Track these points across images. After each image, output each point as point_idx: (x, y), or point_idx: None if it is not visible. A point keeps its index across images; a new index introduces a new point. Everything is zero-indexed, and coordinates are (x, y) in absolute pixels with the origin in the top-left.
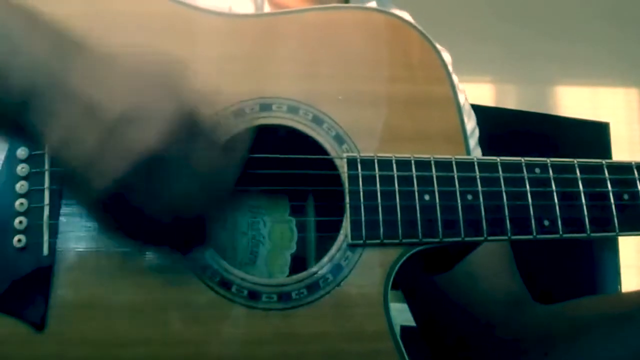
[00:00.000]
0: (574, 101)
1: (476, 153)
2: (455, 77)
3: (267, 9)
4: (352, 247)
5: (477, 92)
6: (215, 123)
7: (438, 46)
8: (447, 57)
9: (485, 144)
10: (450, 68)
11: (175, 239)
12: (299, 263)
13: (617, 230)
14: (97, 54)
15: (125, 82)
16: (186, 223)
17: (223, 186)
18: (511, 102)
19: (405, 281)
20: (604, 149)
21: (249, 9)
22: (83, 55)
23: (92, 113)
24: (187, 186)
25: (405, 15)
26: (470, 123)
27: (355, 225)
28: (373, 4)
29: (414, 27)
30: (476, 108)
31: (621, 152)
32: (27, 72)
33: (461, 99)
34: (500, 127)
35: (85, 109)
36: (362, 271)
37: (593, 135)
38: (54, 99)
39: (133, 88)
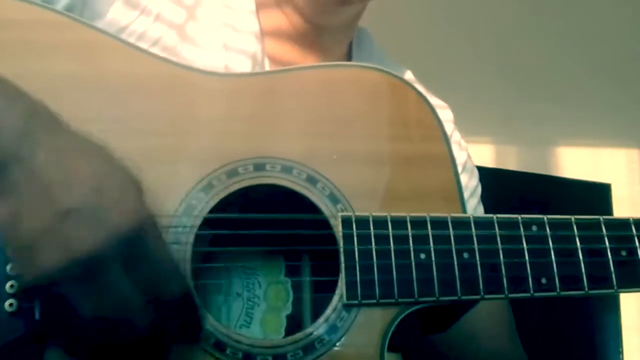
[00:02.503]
0: (575, 162)
1: (479, 211)
2: (457, 134)
3: (267, 64)
4: (347, 307)
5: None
6: (203, 186)
7: (440, 102)
8: (448, 113)
9: (486, 204)
10: (452, 125)
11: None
12: (294, 324)
13: (616, 287)
14: (67, 140)
15: (88, 176)
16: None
17: (169, 296)
18: (511, 163)
19: (403, 342)
20: (606, 210)
21: (245, 65)
22: (53, 138)
23: (50, 194)
24: (123, 300)
25: (408, 74)
26: (473, 181)
27: (350, 285)
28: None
29: (411, 85)
30: (476, 169)
31: (623, 213)
32: None
33: (464, 157)
34: (501, 188)
35: (43, 188)
36: (358, 331)
37: (594, 197)
38: (16, 171)
39: (95, 184)
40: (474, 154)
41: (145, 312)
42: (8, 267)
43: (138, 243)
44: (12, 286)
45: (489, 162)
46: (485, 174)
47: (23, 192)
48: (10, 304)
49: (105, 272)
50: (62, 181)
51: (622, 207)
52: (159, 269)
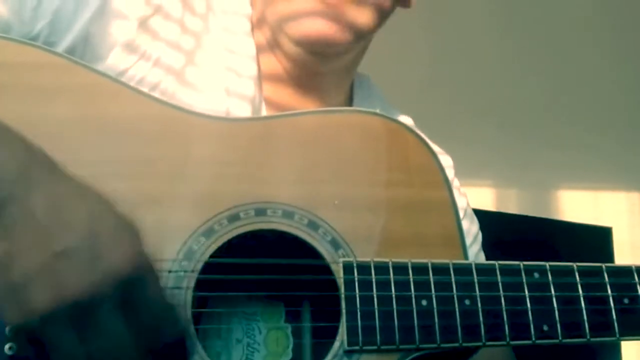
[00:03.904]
0: (576, 206)
1: (480, 257)
2: (457, 181)
3: (264, 109)
4: (348, 353)
5: (477, 196)
6: (204, 231)
7: (438, 149)
8: (448, 160)
9: (486, 249)
10: (452, 171)
11: None
12: None
13: (618, 335)
14: (62, 183)
15: (84, 218)
16: None
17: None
18: (512, 207)
19: None
20: (607, 254)
21: (246, 110)
22: (49, 181)
23: (44, 234)
24: (116, 344)
25: (407, 120)
26: (474, 227)
27: (351, 331)
28: (377, 109)
29: (411, 130)
30: (477, 212)
31: (624, 257)
32: None
33: (463, 203)
34: (501, 232)
35: (38, 228)
36: None
37: (595, 240)
38: (12, 211)
39: (90, 226)
40: (474, 197)
41: (139, 356)
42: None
43: (133, 285)
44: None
45: (490, 206)
46: (485, 217)
47: (18, 233)
48: (10, 347)
49: (99, 314)
50: (58, 222)
51: (624, 251)
52: (154, 313)
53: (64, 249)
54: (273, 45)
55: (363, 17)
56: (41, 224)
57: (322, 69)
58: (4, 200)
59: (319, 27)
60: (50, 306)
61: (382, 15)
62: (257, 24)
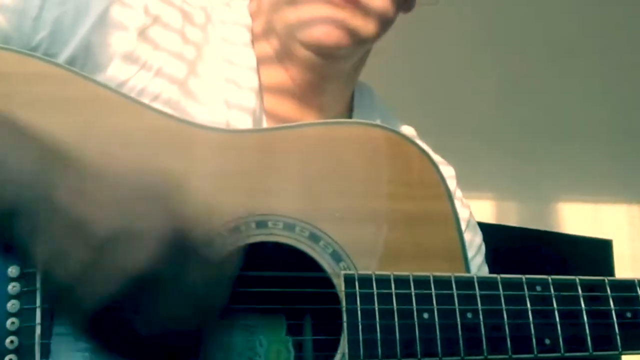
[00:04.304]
0: (576, 218)
1: (483, 269)
2: (459, 192)
3: (265, 121)
4: None
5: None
6: (209, 241)
7: (440, 159)
8: (450, 170)
9: (487, 261)
10: (454, 182)
11: (169, 354)
12: None
13: (620, 349)
14: (85, 169)
15: (115, 200)
16: (178, 339)
17: (215, 304)
18: (513, 219)
19: None
20: (607, 266)
21: (247, 122)
22: (71, 169)
23: (80, 230)
24: (179, 305)
25: (410, 131)
26: (477, 238)
27: (352, 344)
28: (377, 120)
29: (413, 142)
30: (477, 225)
31: (624, 269)
32: (12, 185)
33: (465, 213)
34: (502, 244)
35: (72, 226)
36: None
37: (596, 253)
38: (40, 214)
39: (124, 206)
40: (474, 210)
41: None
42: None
43: (184, 245)
44: (12, 342)
45: (490, 218)
46: (486, 230)
47: (52, 231)
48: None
49: (161, 282)
50: (89, 212)
51: (624, 263)
52: (209, 266)
53: (104, 237)
54: (282, 54)
55: (368, 26)
56: (72, 220)
57: (330, 71)
58: (29, 205)
59: (329, 32)
60: (110, 293)
61: (386, 24)
62: (263, 34)
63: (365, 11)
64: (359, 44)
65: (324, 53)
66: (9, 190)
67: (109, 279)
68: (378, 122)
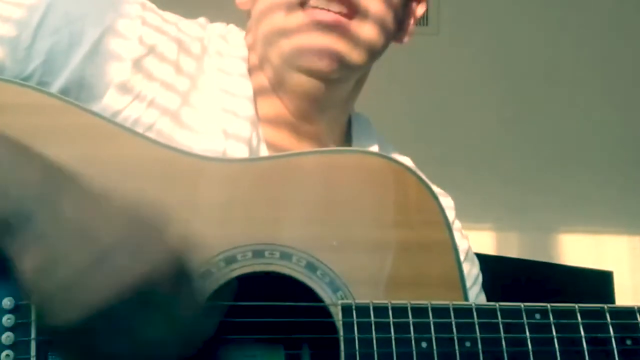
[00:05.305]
0: (577, 249)
1: (481, 299)
2: (458, 223)
3: (263, 150)
4: None
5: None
6: (202, 273)
7: (439, 190)
8: (449, 201)
9: (487, 293)
10: (453, 213)
11: None
12: None
13: None
14: (87, 190)
15: (115, 218)
16: None
17: (200, 337)
18: (513, 251)
19: None
20: (608, 298)
21: (244, 151)
22: (74, 188)
23: (81, 239)
24: (163, 331)
25: (407, 161)
26: (474, 269)
27: None
28: (375, 149)
29: (412, 171)
30: (477, 256)
31: (625, 301)
32: (15, 194)
33: (464, 245)
34: (502, 276)
35: (73, 234)
36: None
37: (596, 284)
38: (40, 221)
39: (123, 226)
40: (475, 241)
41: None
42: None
43: (177, 272)
44: (7, 355)
45: (491, 250)
46: (486, 261)
47: (55, 238)
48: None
49: (144, 307)
50: (93, 222)
51: (625, 295)
52: (200, 296)
53: (106, 246)
54: (276, 84)
55: (356, 53)
56: (76, 226)
57: (324, 98)
58: (31, 211)
59: (321, 55)
60: (106, 300)
61: (374, 53)
62: (259, 65)
63: (354, 39)
64: (348, 69)
65: (317, 76)
66: (11, 197)
67: (96, 292)
68: (376, 150)
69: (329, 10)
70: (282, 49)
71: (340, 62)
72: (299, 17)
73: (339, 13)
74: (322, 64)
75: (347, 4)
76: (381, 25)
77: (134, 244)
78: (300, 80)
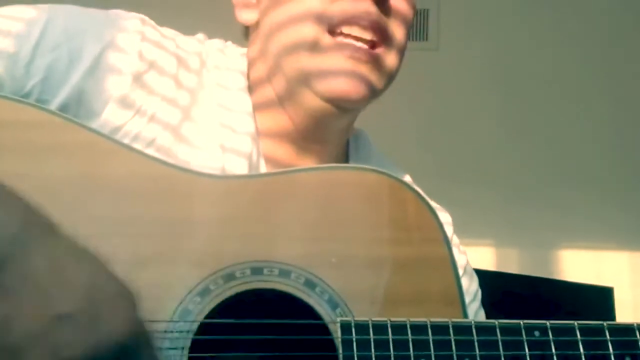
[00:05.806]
0: (577, 265)
1: (480, 315)
2: (456, 238)
3: (262, 165)
4: None
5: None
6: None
7: (436, 206)
8: (447, 217)
9: (487, 309)
10: (451, 228)
11: None
12: None
13: None
14: (64, 245)
15: (82, 283)
16: None
17: None
18: (513, 267)
19: None
20: (608, 314)
21: (242, 167)
22: (51, 241)
23: (40, 301)
24: None
25: (406, 178)
26: (473, 285)
27: None
28: (374, 165)
29: (410, 187)
30: (477, 272)
31: (626, 317)
32: None
33: (463, 260)
34: (502, 291)
35: (34, 295)
36: None
37: (597, 301)
38: (7, 275)
39: (89, 291)
40: (474, 257)
41: None
42: None
43: (130, 352)
44: None
45: (490, 266)
46: (486, 277)
47: (18, 295)
48: None
49: None
50: (57, 286)
51: (625, 311)
52: None
53: (62, 312)
54: (285, 97)
55: (380, 81)
56: (40, 286)
57: (336, 122)
58: (3, 261)
59: (348, 87)
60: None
61: (392, 79)
62: (266, 77)
63: (381, 68)
64: (373, 97)
65: (343, 106)
66: None
67: (51, 355)
68: (376, 167)
69: (360, 39)
70: (304, 65)
71: (371, 90)
72: (327, 41)
73: (371, 41)
74: (355, 93)
75: (380, 33)
76: (401, 52)
77: (88, 318)
78: (321, 104)
